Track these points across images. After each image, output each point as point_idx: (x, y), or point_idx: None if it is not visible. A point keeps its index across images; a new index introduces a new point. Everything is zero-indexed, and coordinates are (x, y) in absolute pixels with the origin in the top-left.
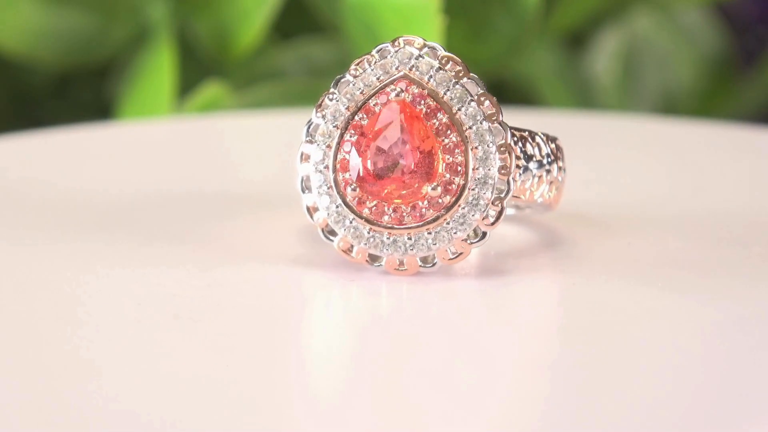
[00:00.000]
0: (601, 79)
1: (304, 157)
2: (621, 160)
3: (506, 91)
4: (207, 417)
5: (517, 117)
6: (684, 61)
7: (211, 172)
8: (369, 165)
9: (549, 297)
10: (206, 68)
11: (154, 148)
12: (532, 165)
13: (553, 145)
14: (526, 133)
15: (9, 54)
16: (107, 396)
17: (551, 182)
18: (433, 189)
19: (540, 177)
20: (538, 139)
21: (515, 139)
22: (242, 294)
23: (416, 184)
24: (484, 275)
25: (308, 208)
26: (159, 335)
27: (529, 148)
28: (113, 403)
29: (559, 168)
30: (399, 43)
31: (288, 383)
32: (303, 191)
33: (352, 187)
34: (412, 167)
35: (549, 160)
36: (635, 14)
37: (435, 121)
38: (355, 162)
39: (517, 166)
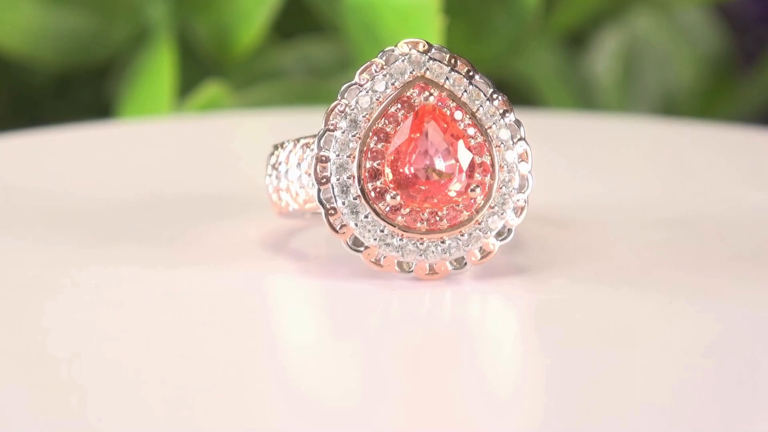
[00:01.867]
0: (601, 79)
1: (321, 170)
2: (621, 160)
3: (506, 91)
4: (206, 417)
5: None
6: (684, 61)
7: (211, 171)
8: (408, 171)
9: (549, 298)
10: (206, 68)
11: (154, 147)
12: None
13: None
14: None
15: (9, 54)
16: (96, 398)
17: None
18: (472, 190)
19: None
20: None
21: None
22: (242, 294)
23: (456, 186)
24: (481, 277)
25: (330, 222)
26: (159, 335)
27: None
28: (104, 404)
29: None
30: (404, 47)
31: (288, 384)
32: (323, 205)
33: (392, 195)
34: (453, 170)
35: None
36: (635, 14)
37: (460, 122)
38: (393, 169)
39: None
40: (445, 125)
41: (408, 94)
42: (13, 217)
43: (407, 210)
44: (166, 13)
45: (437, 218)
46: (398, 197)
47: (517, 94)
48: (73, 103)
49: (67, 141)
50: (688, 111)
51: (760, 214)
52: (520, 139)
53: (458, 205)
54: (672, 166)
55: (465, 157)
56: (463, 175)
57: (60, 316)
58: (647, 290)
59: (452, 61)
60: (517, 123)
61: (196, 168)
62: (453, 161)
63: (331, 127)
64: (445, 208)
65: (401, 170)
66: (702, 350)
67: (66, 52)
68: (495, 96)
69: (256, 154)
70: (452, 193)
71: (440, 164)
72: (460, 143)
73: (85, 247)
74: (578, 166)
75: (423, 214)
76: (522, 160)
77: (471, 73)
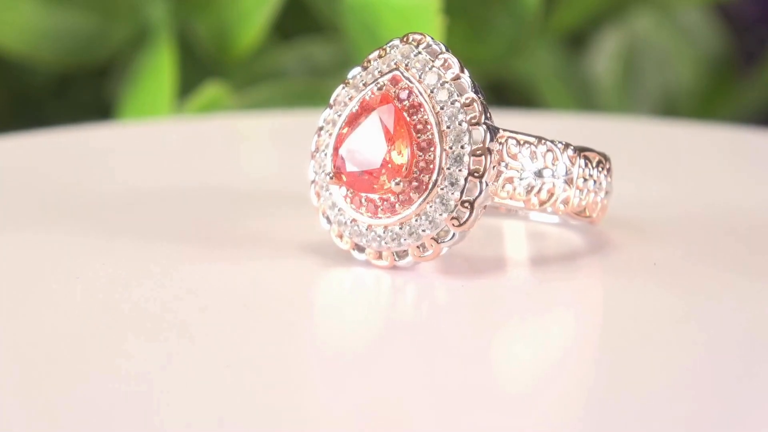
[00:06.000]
0: (601, 79)
1: (316, 145)
2: (620, 161)
3: (506, 91)
4: (216, 402)
5: (517, 118)
6: (684, 61)
7: (212, 171)
8: (345, 155)
9: (552, 300)
10: (206, 68)
11: (155, 148)
12: (543, 173)
13: (573, 154)
14: (535, 139)
15: (9, 54)
16: (122, 379)
17: (568, 192)
18: (396, 184)
19: (552, 186)
20: (551, 146)
21: (515, 143)
22: (241, 289)
23: (386, 179)
24: (480, 275)
25: (316, 194)
26: (162, 327)
27: (537, 155)
28: (127, 387)
29: (585, 179)
30: (407, 39)
31: (289, 373)
32: (311, 178)
33: (330, 175)
34: (384, 161)
35: (565, 169)
36: (635, 15)
37: (416, 117)
38: (337, 151)
39: (516, 171)
40: (395, 118)
41: (379, 82)
42: (14, 218)
43: (351, 194)
44: (166, 14)
45: (376, 207)
46: (333, 178)
47: (517, 94)
48: (73, 103)
49: (67, 141)
50: (688, 111)
51: (760, 214)
52: (481, 146)
53: (393, 197)
54: (672, 167)
55: (401, 150)
56: (394, 167)
57: (81, 315)
58: (648, 288)
59: (440, 58)
60: (487, 130)
61: (197, 168)
62: (378, 154)
63: (330, 106)
64: (380, 199)
65: (340, 153)
66: (707, 349)
67: (66, 53)
68: (470, 100)
69: (257, 154)
70: (394, 185)
71: (363, 155)
72: (401, 137)
73: (90, 247)
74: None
75: (362, 201)
76: (477, 166)
77: (456, 74)
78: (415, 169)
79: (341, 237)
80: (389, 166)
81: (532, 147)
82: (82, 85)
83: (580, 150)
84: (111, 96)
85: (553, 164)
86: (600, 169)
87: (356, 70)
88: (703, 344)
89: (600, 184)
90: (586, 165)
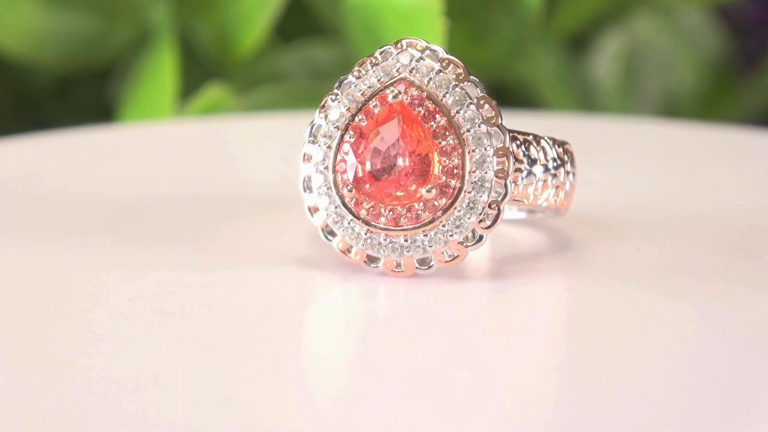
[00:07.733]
0: (603, 81)
1: (306, 158)
2: (622, 163)
3: (508, 93)
4: (205, 416)
5: (518, 120)
6: (685, 63)
7: (213, 174)
8: (366, 166)
9: (548, 301)
10: (208, 71)
11: (157, 150)
12: (537, 169)
13: (560, 149)
14: (531, 136)
15: (11, 56)
16: (109, 396)
17: (557, 187)
18: (427, 191)
19: (545, 181)
20: (543, 143)
21: (518, 142)
22: (243, 295)
23: (412, 187)
24: (488, 278)
25: (309, 209)
26: (157, 334)
27: (533, 152)
28: (114, 402)
29: (567, 173)
30: (401, 45)
31: (287, 384)
32: (305, 191)
33: (348, 188)
34: (408, 169)
35: (555, 164)
36: (636, 17)
37: (433, 123)
38: (352, 163)
39: (519, 170)
40: (413, 125)
41: (387, 91)
42: (15, 220)
43: (370, 204)
44: (167, 16)
45: (398, 216)
46: (353, 191)
47: (519, 96)
48: (74, 105)
49: (69, 143)
50: (689, 114)
51: (762, 217)
52: (502, 146)
53: (418, 204)
54: (673, 169)
55: (424, 157)
56: (419, 174)
57: (79, 316)
58: (647, 293)
59: (444, 63)
60: (503, 131)
61: (199, 171)
62: (403, 161)
63: (321, 118)
64: (405, 207)
65: (360, 165)
66: (703, 353)
67: (68, 54)
68: (483, 102)
69: (259, 156)
70: (420, 192)
71: (396, 162)
72: (422, 144)
73: (91, 249)
74: (578, 168)
75: (385, 211)
76: (501, 167)
77: (461, 77)
78: (442, 175)
79: (349, 250)
80: (415, 174)
81: (530, 144)
82: (83, 87)
83: (560, 143)
84: (112, 98)
85: (546, 159)
86: (572, 160)
87: (349, 79)
88: (699, 346)
89: (575, 175)
90: (567, 158)
